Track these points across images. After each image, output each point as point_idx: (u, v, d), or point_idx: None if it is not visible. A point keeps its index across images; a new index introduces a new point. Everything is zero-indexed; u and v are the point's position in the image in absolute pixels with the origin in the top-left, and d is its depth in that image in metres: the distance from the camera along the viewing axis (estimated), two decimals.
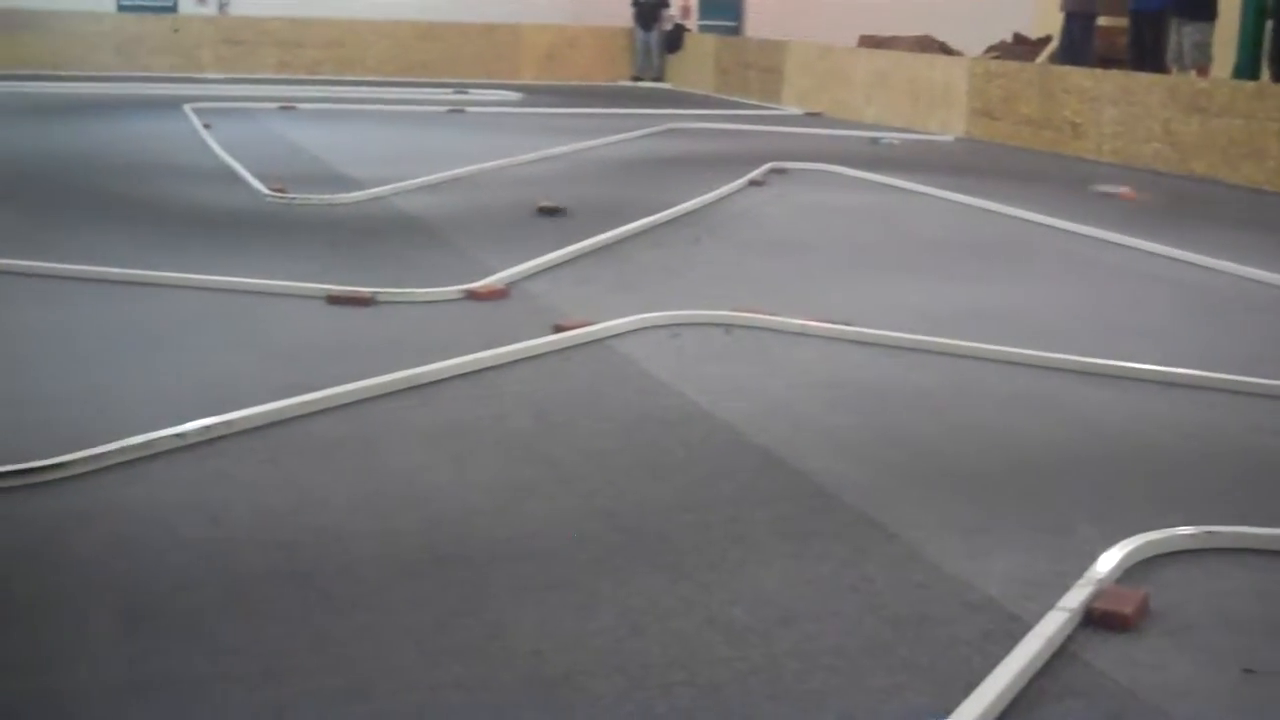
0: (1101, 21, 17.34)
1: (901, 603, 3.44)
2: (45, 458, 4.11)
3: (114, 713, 2.82)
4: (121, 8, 21.57)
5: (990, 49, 19.46)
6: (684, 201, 9.62)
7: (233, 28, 21.34)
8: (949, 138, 15.64)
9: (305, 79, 20.71)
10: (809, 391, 5.29)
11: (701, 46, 22.34)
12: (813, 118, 17.78)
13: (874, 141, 14.68)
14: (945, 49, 19.42)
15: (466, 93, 19.40)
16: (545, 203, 9.34)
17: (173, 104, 15.71)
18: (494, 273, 7.05)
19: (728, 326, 6.19)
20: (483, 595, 3.42)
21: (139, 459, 4.23)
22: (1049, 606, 3.37)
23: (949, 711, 2.87)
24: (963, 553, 3.76)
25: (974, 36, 19.79)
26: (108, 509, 3.87)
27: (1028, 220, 9.61)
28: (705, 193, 10.08)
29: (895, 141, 14.73)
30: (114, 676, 2.97)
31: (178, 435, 4.37)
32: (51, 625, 3.19)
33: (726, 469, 4.41)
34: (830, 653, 3.16)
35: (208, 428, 4.45)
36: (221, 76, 20.55)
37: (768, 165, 11.77)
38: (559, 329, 5.96)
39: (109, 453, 4.19)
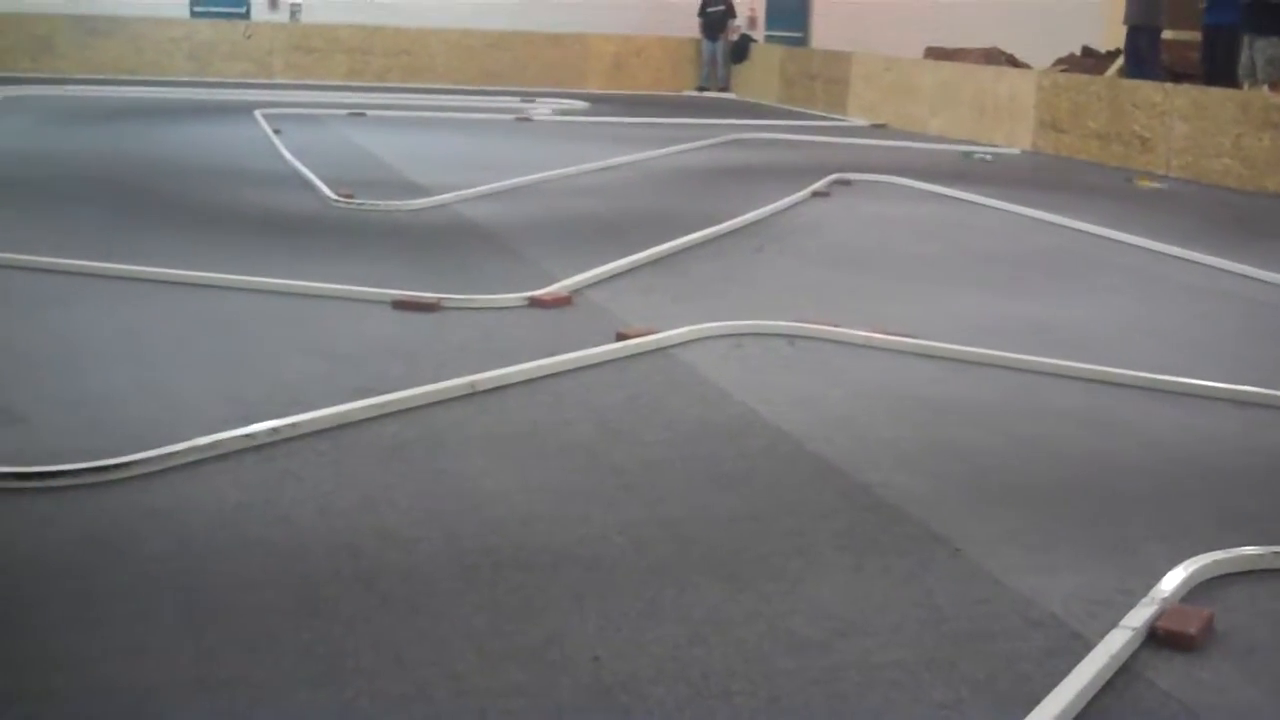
0: (1172, 35, 17.18)
1: (963, 618, 3.43)
2: (116, 456, 4.18)
3: (178, 710, 2.86)
4: (195, 14, 21.85)
5: (1058, 62, 19.31)
6: (747, 212, 9.62)
7: (304, 35, 21.56)
8: (1015, 151, 15.53)
9: (374, 86, 20.90)
10: (871, 403, 5.28)
11: (767, 57, 22.33)
12: (878, 129, 17.72)
13: (966, 156, 14.44)
14: (1013, 61, 19.30)
15: (533, 102, 19.49)
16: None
17: (244, 109, 15.90)
18: (558, 280, 7.08)
19: (791, 338, 6.18)
20: (543, 601, 3.44)
21: (207, 459, 4.29)
22: (1112, 625, 3.34)
23: None
24: (1025, 568, 3.74)
25: (1042, 49, 19.65)
26: (176, 508, 3.93)
27: (1094, 234, 9.54)
28: (769, 203, 10.08)
29: (988, 157, 14.45)
30: (179, 674, 3.01)
31: (246, 436, 4.43)
32: (118, 622, 3.24)
33: (788, 480, 4.41)
34: (891, 666, 3.16)
35: (275, 429, 4.50)
36: (292, 83, 20.77)
37: (832, 176, 11.76)
38: (622, 337, 5.98)
39: (178, 452, 4.25)
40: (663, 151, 13.55)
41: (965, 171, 13.05)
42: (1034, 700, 2.97)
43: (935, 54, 20.09)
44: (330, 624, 3.26)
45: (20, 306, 6.24)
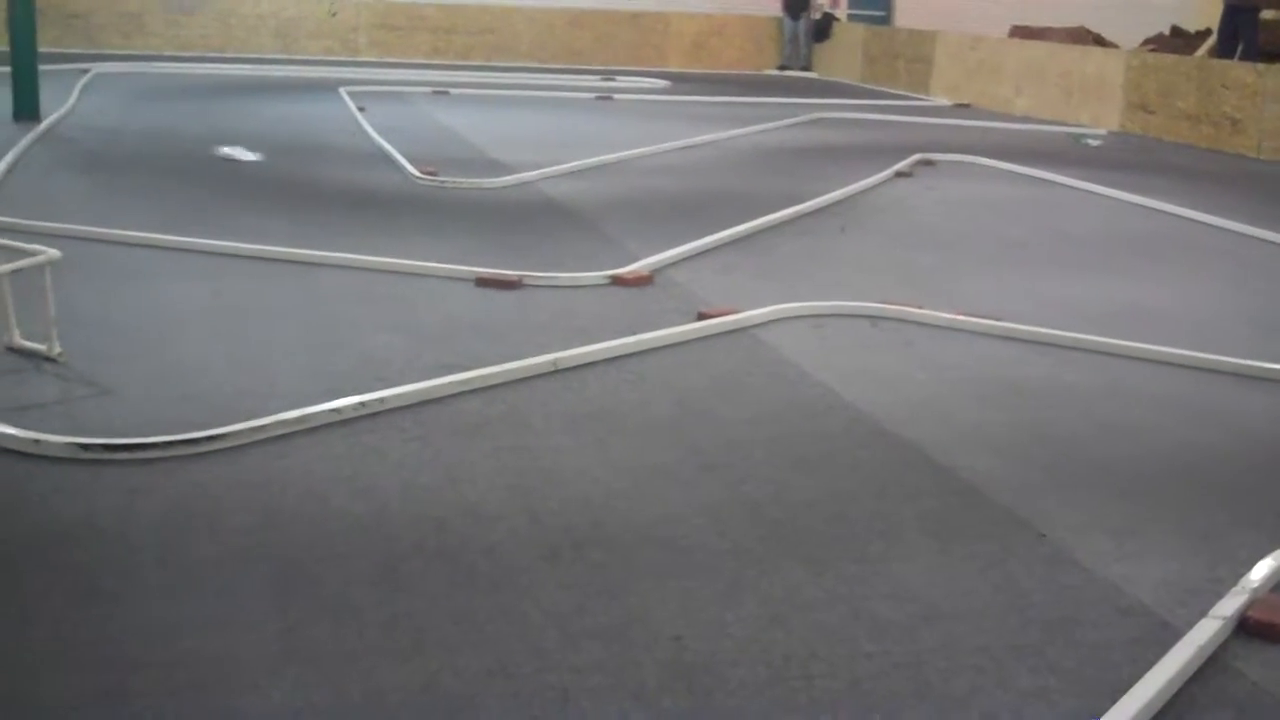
0: (1272, 16, 16.83)
1: (1049, 604, 3.39)
2: (205, 429, 4.24)
3: (265, 680, 2.89)
4: None
5: (1147, 41, 19.01)
6: (829, 192, 9.56)
7: (388, 13, 21.68)
8: (1102, 131, 15.31)
9: (457, 64, 20.98)
10: (955, 386, 5.23)
11: (850, 36, 22.15)
12: (962, 109, 17.53)
13: (1076, 140, 14.11)
14: (1100, 41, 19.01)
15: (614, 80, 19.48)
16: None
17: (329, 87, 16.03)
18: (639, 259, 7.08)
19: (874, 319, 6.14)
20: (624, 579, 3.44)
21: (295, 432, 4.34)
22: (1201, 614, 3.30)
23: (1097, 717, 2.82)
24: (1113, 555, 3.69)
25: (1130, 28, 19.34)
26: (264, 480, 3.97)
27: (1183, 217, 9.40)
28: (851, 183, 10.01)
29: (1096, 142, 14.14)
30: (265, 645, 3.04)
31: (332, 410, 4.47)
32: (206, 592, 3.28)
33: (870, 462, 4.38)
34: (976, 652, 3.13)
35: (361, 404, 4.55)
36: (376, 60, 20.91)
37: (915, 156, 11.66)
38: (703, 317, 5.97)
39: (266, 425, 4.30)
40: (744, 130, 13.49)
41: (1051, 152, 12.87)
42: (1121, 689, 2.94)
43: (1021, 33, 19.83)
44: (414, 598, 3.29)
45: (112, 280, 6.34)
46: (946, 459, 4.40)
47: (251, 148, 10.97)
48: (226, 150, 9.19)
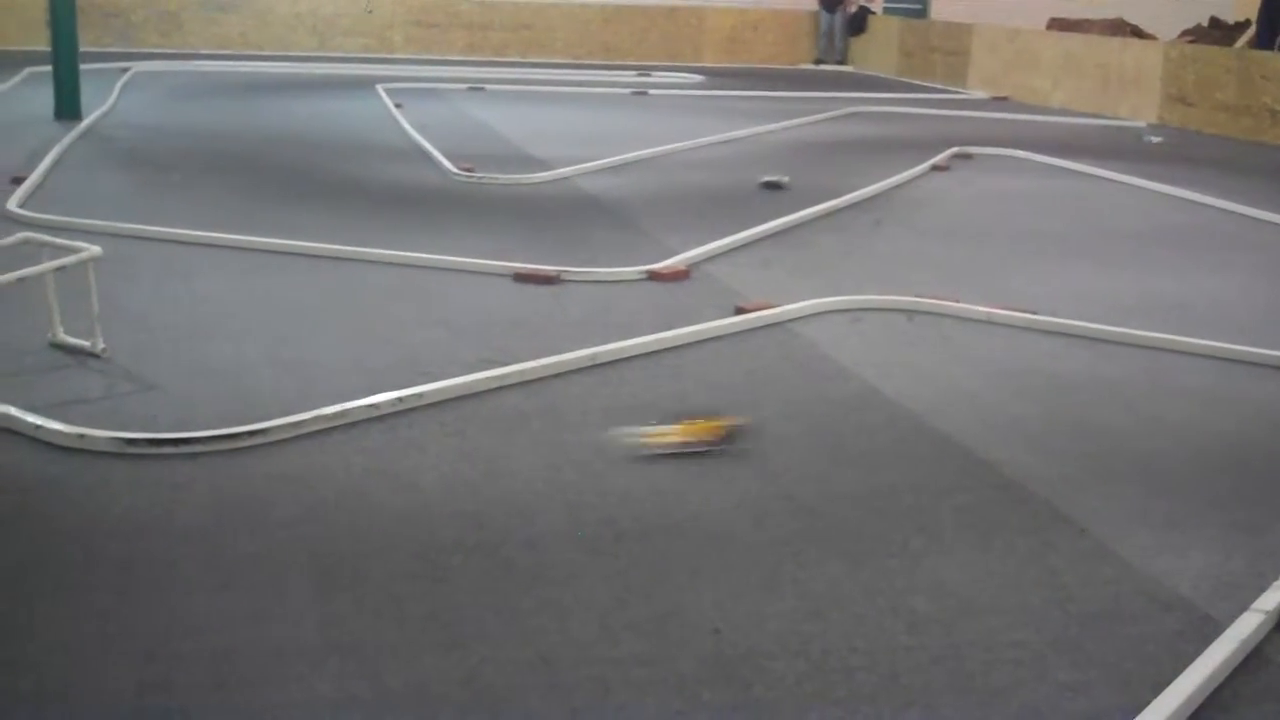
0: None
1: (1089, 598, 3.38)
2: (246, 424, 4.27)
3: (307, 672, 2.92)
4: None
5: (1185, 33, 18.85)
6: (866, 185, 9.54)
7: (424, 9, 21.73)
8: (1141, 124, 15.21)
9: (493, 60, 21.03)
10: (994, 380, 5.22)
11: (886, 29, 22.07)
12: (999, 102, 17.45)
13: (1139, 138, 13.87)
14: (1138, 33, 18.87)
15: (650, 75, 19.49)
16: (768, 178, 9.48)
17: (366, 84, 16.09)
18: (675, 254, 7.08)
19: (911, 313, 6.13)
20: (663, 572, 3.46)
21: (335, 427, 4.37)
22: (1243, 607, 3.28)
23: (1138, 711, 2.82)
24: (1153, 549, 3.68)
25: (1168, 20, 19.19)
26: (304, 475, 4.01)
27: (1222, 209, 9.33)
28: (887, 177, 9.99)
29: (1158, 139, 13.87)
30: (307, 638, 3.07)
31: (371, 406, 4.50)
32: (248, 586, 3.31)
33: (908, 456, 4.38)
34: (1014, 646, 3.13)
35: (400, 399, 4.57)
36: (412, 57, 20.98)
37: (951, 150, 11.62)
38: (740, 311, 5.97)
39: (306, 420, 4.33)
40: (780, 125, 13.47)
41: (1089, 145, 12.80)
42: (1162, 683, 2.93)
43: (1058, 25, 19.71)
44: (454, 591, 3.31)
45: (154, 277, 6.39)
46: (985, 453, 4.39)
47: (294, 145, 11.04)
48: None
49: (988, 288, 6.66)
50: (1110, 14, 19.64)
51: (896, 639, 3.15)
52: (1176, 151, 12.83)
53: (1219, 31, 18.68)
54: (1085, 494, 4.08)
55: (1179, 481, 4.23)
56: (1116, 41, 17.00)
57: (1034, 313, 6.07)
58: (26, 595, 3.22)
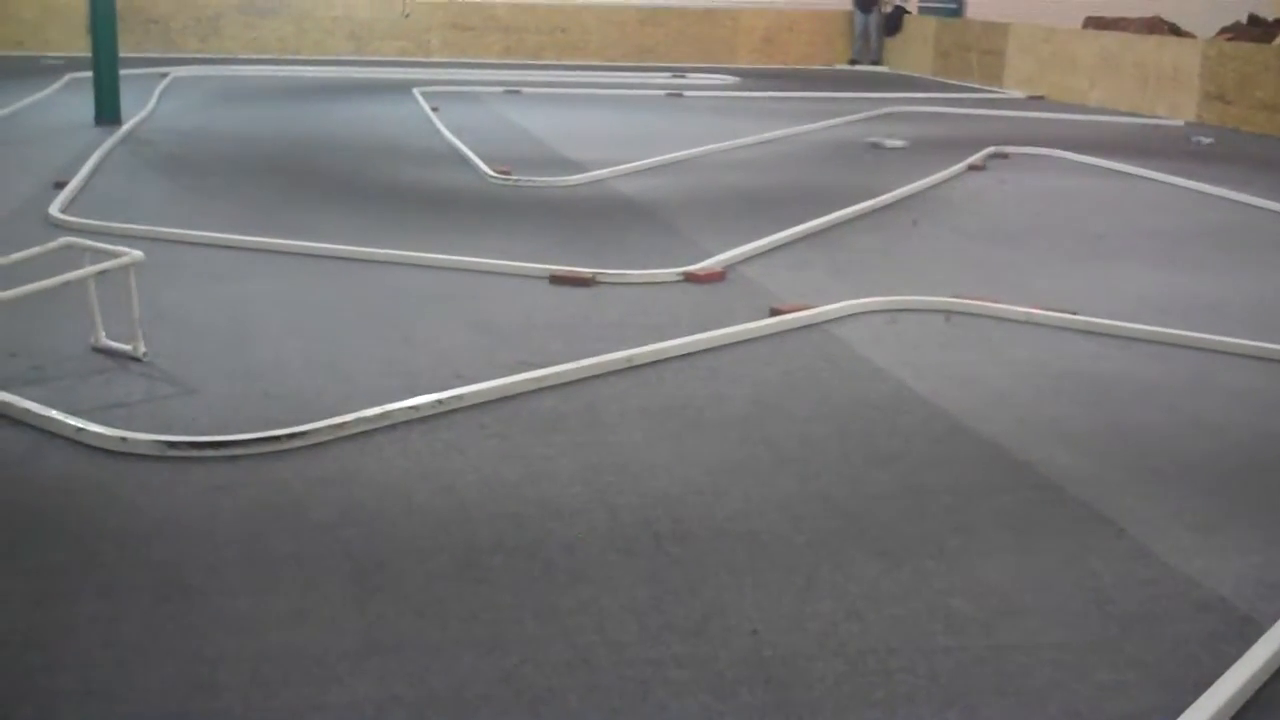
0: None
1: (1128, 599, 3.37)
2: (287, 427, 4.31)
3: (348, 673, 2.94)
4: None
5: (1223, 30, 18.71)
6: (901, 186, 9.52)
7: (460, 13, 21.81)
8: (1179, 122, 15.12)
9: (529, 63, 21.08)
10: (1032, 381, 5.20)
11: (921, 29, 22.01)
12: (1035, 101, 17.38)
13: (1188, 139, 13.62)
14: (1176, 30, 18.75)
15: (684, 77, 19.49)
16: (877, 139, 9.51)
17: (402, 88, 16.17)
18: (711, 256, 7.09)
19: (948, 313, 6.12)
20: (701, 574, 3.46)
21: (374, 430, 4.40)
22: None
23: (1179, 712, 2.81)
24: (1193, 551, 3.66)
25: (1206, 18, 19.05)
26: (345, 476, 4.03)
27: (1262, 208, 9.26)
28: (923, 177, 9.96)
29: (1208, 140, 13.69)
30: (348, 639, 3.09)
31: (411, 408, 4.53)
32: (287, 587, 3.34)
33: (946, 457, 4.37)
34: (1054, 647, 3.12)
35: (440, 401, 4.60)
36: (448, 60, 21.05)
37: (989, 149, 11.58)
38: (776, 312, 5.97)
39: (346, 423, 4.36)
40: (815, 126, 13.46)
41: (1127, 144, 12.73)
42: (1203, 684, 2.92)
43: (1095, 24, 19.61)
44: (495, 591, 3.33)
45: (194, 281, 6.45)
46: (1023, 454, 4.38)
47: (332, 149, 11.11)
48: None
49: (1025, 288, 6.64)
50: (1147, 12, 19.52)
51: (935, 640, 3.15)
52: (1214, 150, 12.74)
53: (1258, 29, 18.53)
54: (1124, 495, 4.06)
55: (1218, 482, 4.21)
56: (1154, 39, 16.90)
57: (1072, 313, 6.05)
58: (70, 596, 3.26)
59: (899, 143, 9.39)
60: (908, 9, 23.05)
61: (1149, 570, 3.55)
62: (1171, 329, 5.83)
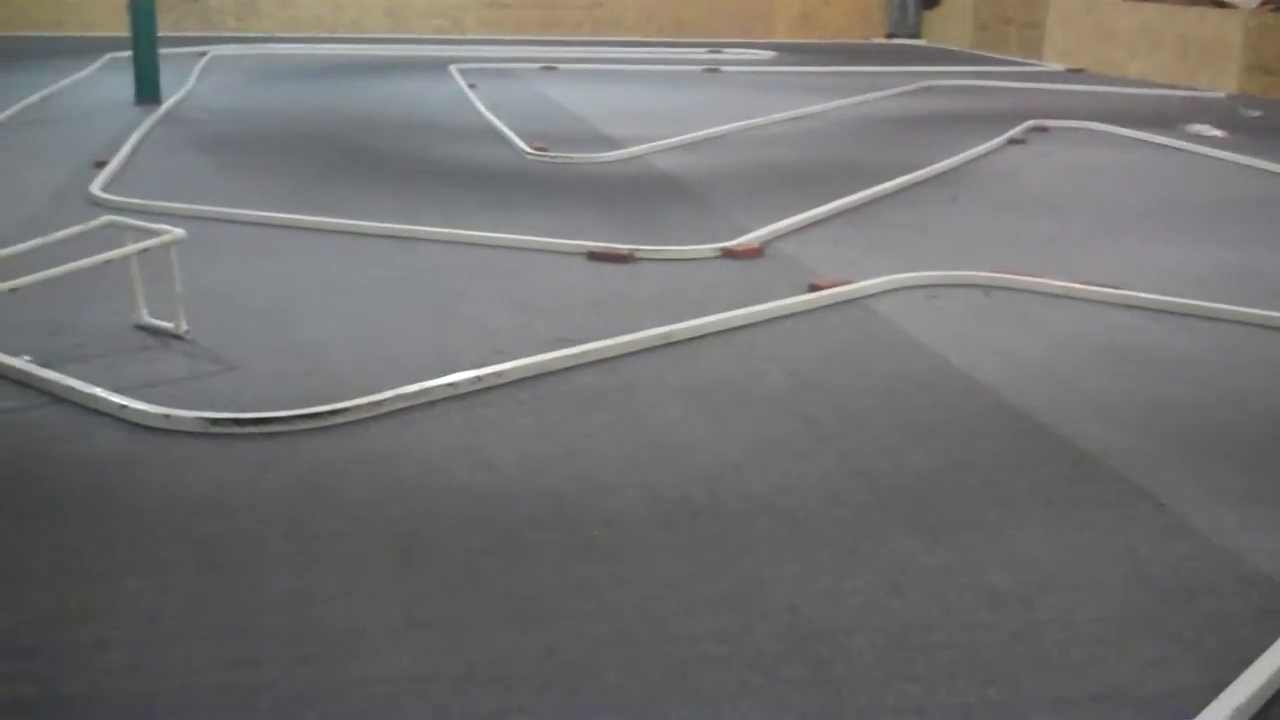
0: None
1: (1169, 574, 3.36)
2: (327, 403, 4.33)
3: (389, 648, 2.96)
4: None
5: (1266, 2, 18.49)
6: (940, 160, 9.47)
7: None
8: (1220, 94, 14.97)
9: (566, 40, 21.05)
10: (1071, 355, 5.18)
11: (960, 1, 21.84)
12: (1075, 74, 17.23)
13: (1235, 111, 13.39)
14: (1217, 2, 18.54)
15: (721, 52, 19.42)
16: None
17: (439, 65, 16.17)
18: (749, 231, 7.08)
19: (987, 288, 6.09)
20: (740, 549, 3.47)
21: (414, 406, 4.42)
22: None
23: (1220, 688, 2.80)
24: (1235, 525, 3.64)
25: None
26: (384, 453, 4.06)
27: None
28: (962, 151, 9.91)
29: (1257, 112, 13.49)
30: (389, 615, 3.12)
31: (450, 385, 4.55)
32: (329, 563, 3.37)
33: (985, 432, 4.36)
34: (1094, 622, 3.11)
35: (479, 378, 4.62)
36: (485, 38, 21.05)
37: (1028, 123, 11.50)
38: (814, 288, 5.96)
39: (386, 400, 4.39)
40: (853, 100, 13.39)
41: (1168, 116, 12.62)
42: (1245, 661, 2.90)
43: None
44: (534, 568, 3.35)
45: (235, 259, 6.49)
46: (1063, 428, 4.37)
47: (370, 126, 11.14)
48: None
49: (1066, 262, 6.60)
50: None
51: (975, 615, 3.14)
52: (1259, 122, 12.61)
53: None
54: (1164, 468, 4.04)
55: (1259, 456, 4.18)
56: (1196, 11, 16.71)
57: (1112, 287, 6.01)
58: (114, 573, 3.29)
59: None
60: None
61: (1189, 545, 3.53)
62: (1211, 302, 5.79)
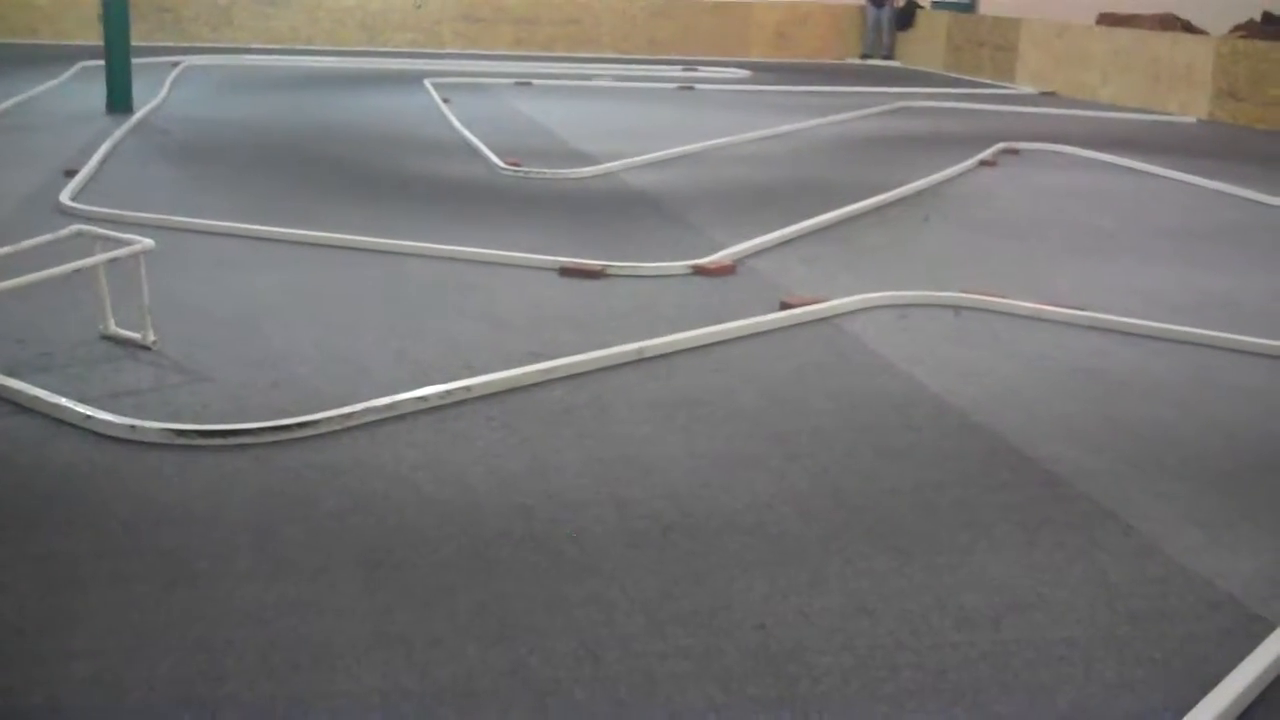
0: None
1: (1137, 596, 3.37)
2: (296, 416, 4.31)
3: (355, 663, 2.94)
4: None
5: (1236, 28, 18.67)
6: (912, 181, 9.51)
7: (472, 5, 21.80)
8: (1190, 119, 15.09)
9: (540, 55, 21.07)
10: (1041, 377, 5.19)
11: (933, 23, 21.97)
12: (1047, 97, 17.34)
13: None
14: (1188, 27, 18.72)
15: (696, 70, 19.47)
16: None
17: (414, 79, 16.16)
18: (722, 249, 7.08)
19: (957, 308, 6.11)
20: (709, 566, 3.46)
21: (383, 419, 4.40)
22: None
23: (1187, 709, 2.80)
24: (1203, 548, 3.65)
25: (1219, 15, 19.02)
26: (354, 466, 4.03)
27: (1274, 205, 9.24)
28: (934, 172, 9.95)
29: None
30: (356, 628, 3.09)
31: (420, 398, 4.53)
32: (297, 576, 3.34)
33: (955, 452, 4.36)
34: (1061, 644, 3.12)
35: (448, 392, 4.60)
36: (460, 52, 21.05)
37: (999, 145, 11.56)
38: (786, 306, 5.96)
39: (355, 413, 4.36)
40: (826, 120, 13.44)
41: (1137, 141, 12.70)
42: (1211, 682, 2.91)
43: (1108, 20, 19.58)
44: (502, 582, 3.33)
45: (204, 269, 6.45)
46: (1032, 450, 4.38)
47: (343, 139, 11.10)
48: None
49: (1035, 284, 6.63)
50: (1160, 9, 19.49)
51: (944, 635, 3.14)
52: (1225, 147, 12.70)
53: (1272, 27, 18.49)
54: (1133, 491, 4.06)
55: (1228, 480, 4.20)
56: (1167, 36, 16.85)
57: (1082, 309, 6.04)
58: (78, 584, 3.26)
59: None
60: (920, 3, 23.01)
61: (1158, 567, 3.54)
62: (1182, 326, 5.81)
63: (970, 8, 23.56)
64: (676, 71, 19.04)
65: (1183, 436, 4.59)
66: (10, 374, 4.65)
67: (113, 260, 5.17)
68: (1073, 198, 9.54)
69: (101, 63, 12.58)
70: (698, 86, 17.21)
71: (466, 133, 11.41)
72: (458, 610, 3.19)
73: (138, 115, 11.86)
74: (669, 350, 5.29)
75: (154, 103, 12.77)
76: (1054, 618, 3.24)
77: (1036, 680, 2.96)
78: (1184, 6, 19.71)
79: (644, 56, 21.50)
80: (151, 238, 5.33)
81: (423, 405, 4.51)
